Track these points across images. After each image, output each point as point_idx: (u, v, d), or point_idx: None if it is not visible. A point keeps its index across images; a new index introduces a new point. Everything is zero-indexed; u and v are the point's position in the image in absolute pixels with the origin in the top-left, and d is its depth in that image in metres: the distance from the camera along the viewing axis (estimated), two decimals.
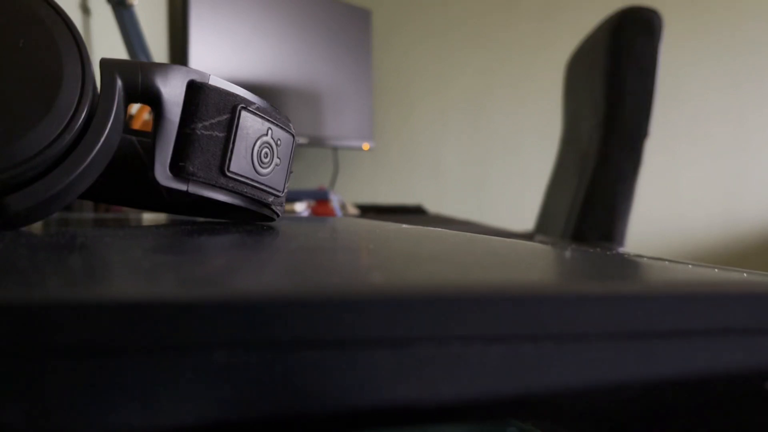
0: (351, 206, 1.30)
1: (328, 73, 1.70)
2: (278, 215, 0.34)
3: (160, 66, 0.28)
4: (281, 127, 0.32)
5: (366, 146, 1.77)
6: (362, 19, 1.78)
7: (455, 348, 0.12)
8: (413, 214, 1.42)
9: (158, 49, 1.43)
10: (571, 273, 0.16)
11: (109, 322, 0.11)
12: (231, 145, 0.29)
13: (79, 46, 0.26)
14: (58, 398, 0.10)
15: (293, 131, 0.34)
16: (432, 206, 2.02)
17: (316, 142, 1.67)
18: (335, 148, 1.83)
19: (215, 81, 0.29)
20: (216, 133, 0.29)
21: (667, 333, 0.14)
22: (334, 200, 1.10)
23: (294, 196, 1.01)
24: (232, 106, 0.29)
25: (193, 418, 0.11)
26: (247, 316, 0.11)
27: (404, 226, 0.35)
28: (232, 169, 0.29)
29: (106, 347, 0.11)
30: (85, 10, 0.96)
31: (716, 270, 0.17)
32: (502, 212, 2.06)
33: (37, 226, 0.29)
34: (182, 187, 0.28)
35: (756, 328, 0.14)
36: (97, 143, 0.25)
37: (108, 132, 0.26)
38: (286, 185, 0.34)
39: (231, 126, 0.29)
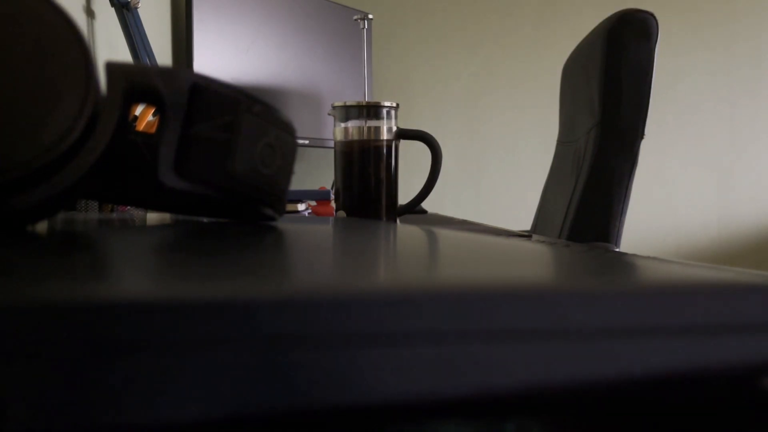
0: None
1: (329, 75, 1.71)
2: (280, 215, 0.35)
3: (164, 69, 0.28)
4: (283, 128, 0.33)
5: None
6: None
7: (453, 346, 0.12)
8: (412, 213, 1.42)
9: (162, 51, 1.43)
10: (567, 272, 0.16)
11: (111, 321, 0.10)
12: (233, 147, 0.30)
13: (83, 48, 0.26)
14: (59, 398, 0.10)
15: (295, 132, 0.34)
16: (430, 206, 2.03)
17: (318, 142, 1.67)
18: None
19: (218, 83, 0.30)
20: (219, 134, 0.29)
21: (662, 330, 0.14)
22: None
23: (295, 196, 1.01)
24: (234, 108, 0.30)
25: (193, 417, 0.11)
26: (246, 315, 0.11)
27: (403, 225, 0.36)
28: (234, 170, 0.30)
29: (107, 346, 0.10)
30: (89, 12, 0.96)
31: (709, 268, 0.17)
32: (499, 212, 2.06)
33: (42, 226, 0.29)
34: (186, 187, 0.29)
35: (748, 325, 0.14)
36: (102, 144, 0.26)
37: (112, 133, 0.26)
38: (288, 186, 0.35)
39: (234, 127, 0.30)
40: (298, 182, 1.92)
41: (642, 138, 1.05)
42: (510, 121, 2.07)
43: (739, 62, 2.13)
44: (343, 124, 0.71)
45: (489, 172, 2.07)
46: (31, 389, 0.10)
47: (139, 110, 0.80)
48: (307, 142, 1.62)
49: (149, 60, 0.98)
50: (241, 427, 0.11)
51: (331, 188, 0.97)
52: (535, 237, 0.62)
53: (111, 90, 0.26)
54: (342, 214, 0.72)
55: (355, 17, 1.57)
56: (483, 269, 0.16)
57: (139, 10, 0.97)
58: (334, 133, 0.73)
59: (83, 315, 0.10)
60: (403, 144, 0.85)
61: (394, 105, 0.72)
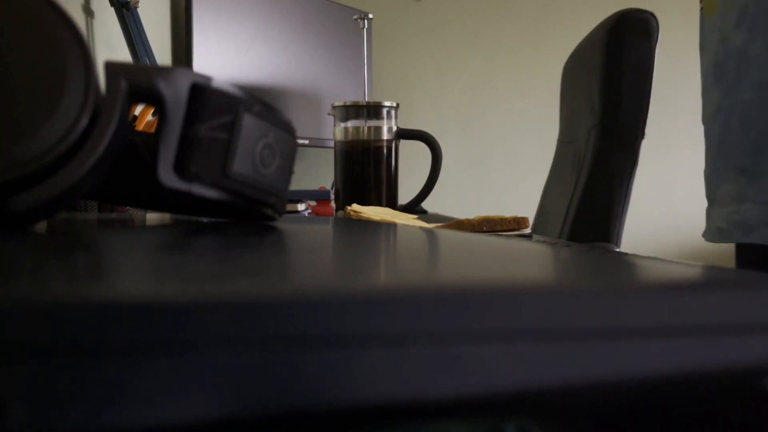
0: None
1: (329, 75, 1.71)
2: (280, 215, 0.35)
3: (164, 69, 0.28)
4: (283, 128, 0.33)
5: None
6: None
7: (454, 346, 0.12)
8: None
9: (162, 51, 1.43)
10: (567, 271, 0.16)
11: (111, 321, 0.11)
12: (233, 147, 0.30)
13: (82, 48, 0.27)
14: (59, 398, 0.10)
15: (294, 132, 0.35)
16: (430, 206, 2.03)
17: (318, 142, 1.67)
18: None
19: (218, 83, 0.30)
20: (219, 134, 0.29)
21: (662, 330, 0.14)
22: None
23: (295, 196, 1.01)
24: (234, 108, 0.30)
25: (193, 417, 0.11)
26: (245, 315, 0.11)
27: (403, 225, 0.36)
28: (234, 169, 0.30)
29: (107, 346, 0.10)
30: (89, 12, 0.96)
31: (709, 268, 0.17)
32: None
33: (41, 226, 0.29)
34: (185, 187, 0.29)
35: (748, 325, 0.14)
36: (102, 144, 0.26)
37: (112, 133, 0.26)
38: (288, 185, 0.35)
39: (233, 127, 0.30)
40: (298, 182, 1.92)
41: (642, 138, 1.05)
42: (510, 121, 2.07)
43: None
44: (343, 124, 0.71)
45: (489, 172, 2.07)
46: (31, 389, 0.10)
47: (139, 110, 0.81)
48: (307, 142, 1.62)
49: (149, 60, 0.98)
50: (241, 428, 0.11)
51: (331, 188, 0.98)
52: (535, 237, 0.62)
53: (111, 90, 0.27)
54: (343, 214, 0.72)
55: (355, 17, 1.57)
56: (483, 269, 0.16)
57: (138, 9, 0.97)
58: (334, 133, 0.73)
59: (83, 315, 0.10)
60: (403, 144, 0.85)
61: (394, 105, 0.73)
